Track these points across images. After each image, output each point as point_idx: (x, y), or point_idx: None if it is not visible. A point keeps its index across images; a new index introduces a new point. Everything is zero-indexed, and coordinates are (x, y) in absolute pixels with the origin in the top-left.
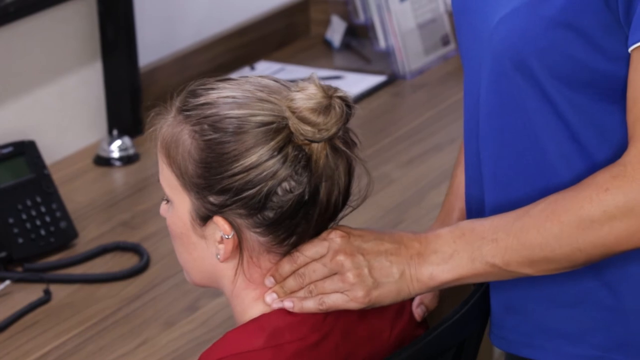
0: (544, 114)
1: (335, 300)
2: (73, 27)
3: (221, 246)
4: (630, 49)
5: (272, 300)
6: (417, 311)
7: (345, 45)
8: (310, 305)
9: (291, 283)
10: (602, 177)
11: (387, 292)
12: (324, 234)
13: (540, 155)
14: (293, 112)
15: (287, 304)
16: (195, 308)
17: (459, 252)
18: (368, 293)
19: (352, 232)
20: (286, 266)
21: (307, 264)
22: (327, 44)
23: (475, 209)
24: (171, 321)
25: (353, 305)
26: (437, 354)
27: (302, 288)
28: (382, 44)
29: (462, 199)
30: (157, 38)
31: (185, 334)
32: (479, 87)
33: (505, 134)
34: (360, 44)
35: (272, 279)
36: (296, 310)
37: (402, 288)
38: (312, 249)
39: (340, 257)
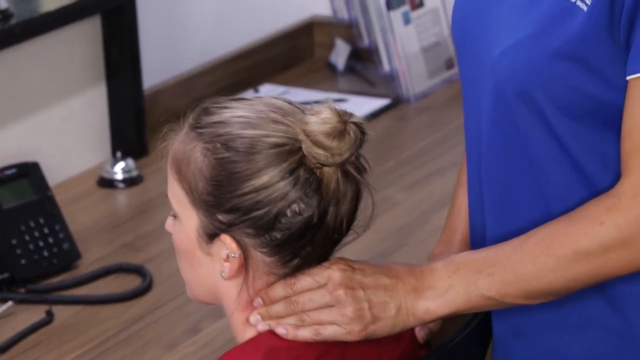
0: (546, 144)
1: (333, 332)
2: (78, 49)
3: (226, 264)
4: (627, 78)
5: (255, 322)
6: (421, 334)
7: (350, 69)
8: (305, 334)
9: (280, 308)
10: (596, 210)
11: (384, 326)
12: (325, 264)
13: (543, 185)
14: (307, 136)
15: (280, 331)
16: (197, 330)
17: (454, 286)
18: (365, 328)
19: (353, 266)
20: (279, 290)
21: (302, 292)
22: (331, 67)
23: (479, 236)
24: (174, 343)
25: (349, 338)
26: None
27: (290, 315)
28: (386, 67)
29: (464, 221)
30: (161, 60)
31: (188, 355)
32: (480, 114)
33: (508, 163)
34: (364, 67)
35: (260, 300)
36: (289, 337)
37: (398, 322)
38: (309, 279)
39: (341, 292)
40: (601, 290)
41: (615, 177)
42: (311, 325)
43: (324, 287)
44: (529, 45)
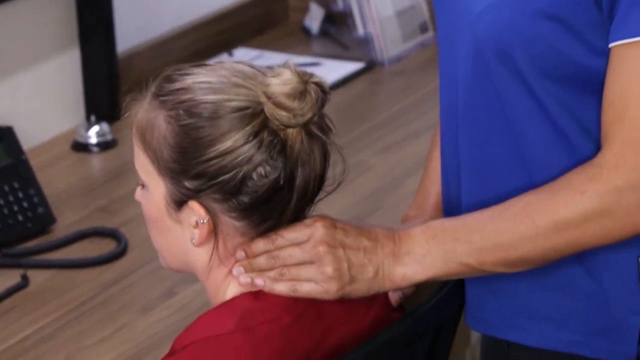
0: (525, 104)
1: (309, 289)
2: (51, 13)
3: (196, 231)
4: (610, 46)
5: (238, 273)
6: (394, 297)
7: (324, 32)
8: (282, 288)
9: (262, 262)
10: (577, 179)
11: (360, 287)
12: (307, 221)
13: (522, 147)
14: (269, 98)
15: (258, 282)
16: (172, 293)
17: (432, 253)
18: (342, 287)
19: (335, 224)
20: (261, 244)
21: (284, 247)
22: (306, 30)
23: (454, 200)
24: (149, 306)
25: (325, 296)
26: (414, 338)
27: (271, 269)
28: (360, 31)
29: (438, 184)
30: (135, 24)
31: (163, 319)
32: (457, 75)
33: (486, 124)
34: (338, 31)
35: (242, 253)
36: (266, 289)
37: (374, 286)
38: (292, 234)
39: (322, 249)
40: (579, 259)
41: (595, 142)
42: (289, 280)
43: (306, 243)
44: (511, 3)
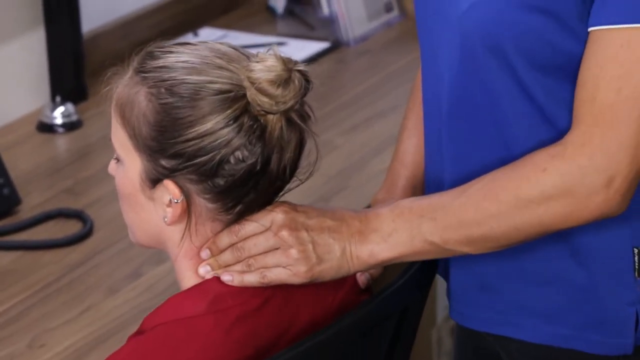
0: (515, 97)
1: (278, 274)
2: None
3: (169, 209)
4: (588, 30)
5: (205, 273)
6: (362, 279)
7: (289, 12)
8: (251, 279)
9: (227, 256)
10: (540, 157)
11: (329, 268)
12: (268, 208)
13: (509, 139)
14: (252, 83)
15: (226, 278)
16: (138, 274)
17: (398, 230)
18: (311, 268)
19: (296, 208)
20: (225, 239)
21: (247, 237)
22: (271, 10)
23: (435, 187)
24: (115, 288)
25: (295, 280)
26: (380, 320)
27: (238, 262)
28: (325, 10)
29: (408, 167)
30: (100, 4)
31: (129, 300)
32: (442, 69)
33: (473, 116)
34: (303, 10)
35: (207, 251)
36: (236, 283)
37: (343, 265)
38: (254, 224)
39: (284, 233)
40: (566, 243)
41: None
42: (257, 270)
43: (268, 230)
44: None
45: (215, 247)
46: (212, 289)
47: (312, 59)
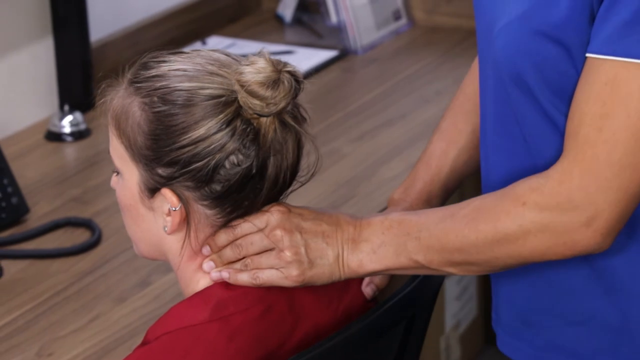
0: (541, 127)
1: (270, 276)
2: (24, 2)
3: (168, 218)
4: (586, 55)
5: (209, 268)
6: (367, 290)
7: (297, 20)
8: (244, 278)
9: (228, 253)
10: (521, 189)
11: (321, 273)
12: (264, 209)
13: (540, 169)
14: (242, 86)
15: (224, 274)
16: (147, 283)
17: (386, 244)
18: (303, 272)
19: (292, 209)
20: (222, 236)
21: (244, 235)
22: (279, 19)
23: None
24: (123, 296)
25: (287, 283)
26: (388, 327)
27: (239, 259)
28: (333, 18)
29: (430, 171)
30: (108, 13)
31: (137, 309)
32: (487, 84)
33: (506, 141)
34: (311, 18)
35: (208, 247)
36: (231, 281)
37: (334, 271)
38: (249, 223)
39: (278, 232)
40: (599, 281)
41: None
42: (251, 270)
43: (263, 230)
44: (518, 26)
45: (214, 244)
46: (214, 296)
47: (320, 68)
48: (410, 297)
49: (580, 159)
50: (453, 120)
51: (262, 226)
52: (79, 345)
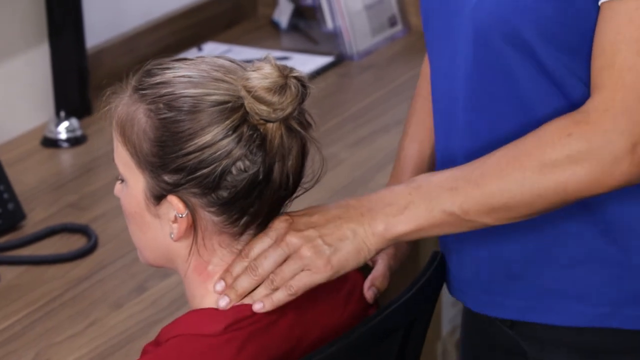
0: (537, 81)
1: (301, 279)
2: (20, 8)
3: (175, 225)
4: (599, 3)
5: (226, 305)
6: (369, 293)
7: (293, 26)
8: (281, 296)
9: (243, 282)
10: (564, 122)
11: (347, 254)
12: (269, 225)
13: (536, 126)
14: (248, 92)
15: (257, 307)
16: (143, 289)
17: (415, 202)
18: (328, 260)
19: (295, 214)
20: (237, 265)
21: (258, 256)
22: (275, 25)
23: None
24: (120, 302)
25: (318, 277)
26: (387, 333)
27: (254, 282)
28: (329, 24)
29: (410, 172)
30: (104, 20)
31: (134, 314)
32: (455, 63)
33: (495, 107)
34: (307, 25)
35: (222, 283)
36: (268, 308)
37: (361, 246)
38: (260, 242)
39: (290, 237)
40: (594, 221)
41: None
42: (281, 286)
43: (275, 243)
44: None
45: (230, 276)
46: (232, 312)
47: (316, 74)
48: (411, 302)
49: (622, 85)
50: (419, 121)
51: (273, 239)
52: (76, 351)
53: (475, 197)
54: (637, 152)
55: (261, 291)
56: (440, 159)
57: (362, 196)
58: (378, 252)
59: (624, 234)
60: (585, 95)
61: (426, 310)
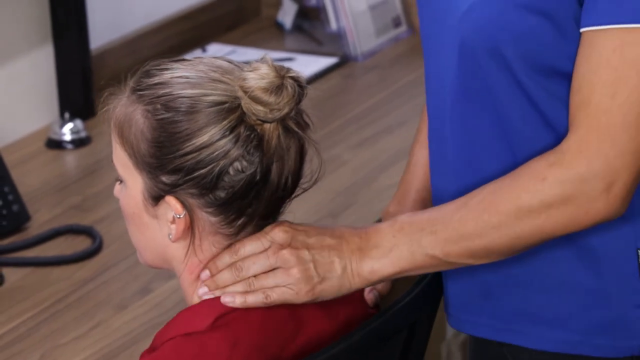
0: (515, 98)
1: (281, 294)
2: (24, 9)
3: (173, 226)
4: (580, 31)
5: (203, 294)
6: (369, 296)
7: (297, 27)
8: (254, 299)
9: (225, 276)
10: (538, 165)
11: (330, 287)
12: (267, 228)
13: (512, 142)
14: (245, 92)
15: (227, 299)
16: (148, 290)
17: (399, 245)
18: (313, 288)
19: (296, 227)
20: (226, 257)
21: (247, 256)
22: (279, 26)
23: (440, 195)
24: (124, 304)
25: (297, 299)
26: (389, 335)
27: (236, 282)
28: (333, 25)
29: (420, 179)
30: (108, 21)
31: (139, 316)
32: (443, 71)
33: (476, 119)
34: (311, 25)
35: (207, 272)
36: (237, 305)
37: (344, 283)
38: (254, 243)
39: (285, 252)
40: (572, 247)
41: None
42: (259, 290)
43: (268, 249)
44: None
45: (215, 267)
46: (219, 305)
47: (320, 75)
48: (413, 304)
49: (596, 127)
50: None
51: (267, 245)
52: (80, 352)
53: (455, 241)
54: (612, 191)
55: (237, 288)
56: (433, 169)
57: (355, 229)
58: (357, 290)
59: (596, 261)
60: (566, 117)
61: (428, 311)
